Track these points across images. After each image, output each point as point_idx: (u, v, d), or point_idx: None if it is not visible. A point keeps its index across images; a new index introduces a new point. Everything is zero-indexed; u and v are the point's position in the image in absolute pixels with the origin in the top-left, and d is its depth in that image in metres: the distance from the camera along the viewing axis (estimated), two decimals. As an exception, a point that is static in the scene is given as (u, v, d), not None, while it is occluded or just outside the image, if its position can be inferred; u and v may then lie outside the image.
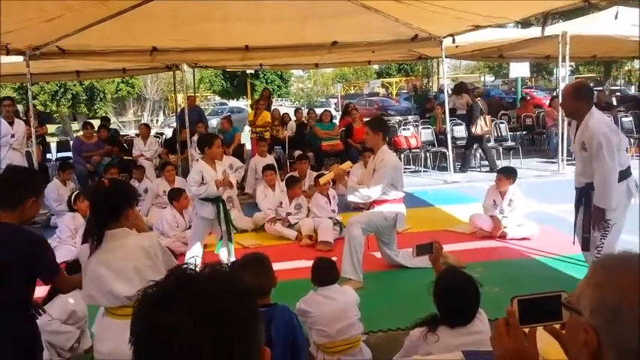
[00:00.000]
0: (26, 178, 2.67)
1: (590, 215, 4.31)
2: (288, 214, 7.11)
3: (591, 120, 4.19)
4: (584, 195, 4.42)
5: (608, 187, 4.13)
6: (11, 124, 8.34)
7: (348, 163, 5.75)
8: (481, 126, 10.96)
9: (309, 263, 5.58)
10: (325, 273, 3.65)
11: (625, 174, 4.28)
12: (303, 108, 18.51)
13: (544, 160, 11.85)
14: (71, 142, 12.36)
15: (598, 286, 1.14)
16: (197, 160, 9.87)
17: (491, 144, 12.00)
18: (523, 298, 1.40)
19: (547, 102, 19.30)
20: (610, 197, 4.13)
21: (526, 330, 1.40)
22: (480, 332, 2.54)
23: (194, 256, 5.45)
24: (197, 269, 0.97)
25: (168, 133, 13.74)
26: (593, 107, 4.30)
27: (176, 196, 6.79)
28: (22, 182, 2.62)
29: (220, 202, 5.40)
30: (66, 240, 6.41)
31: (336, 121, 12.98)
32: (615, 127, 4.35)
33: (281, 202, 7.23)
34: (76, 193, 6.63)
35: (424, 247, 3.32)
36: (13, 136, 8.25)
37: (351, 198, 5.42)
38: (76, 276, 2.64)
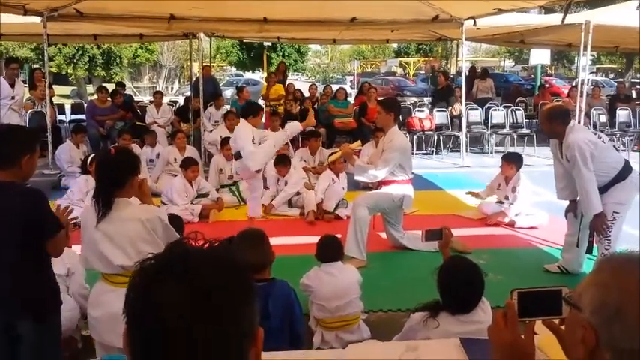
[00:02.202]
0: (18, 137, 2.66)
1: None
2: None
3: (571, 134, 4.43)
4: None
5: (589, 194, 4.39)
6: (12, 85, 8.41)
7: (358, 142, 5.73)
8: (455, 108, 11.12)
9: (315, 239, 5.67)
10: (329, 250, 3.67)
11: (626, 170, 4.50)
12: (318, 84, 18.39)
13: (558, 149, 11.74)
14: (85, 105, 12.39)
15: (602, 285, 1.13)
16: (210, 130, 9.94)
17: (506, 130, 11.90)
18: (523, 291, 1.39)
19: (565, 91, 19.08)
20: (592, 203, 4.39)
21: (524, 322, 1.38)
22: (482, 322, 2.53)
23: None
24: (195, 244, 0.97)
25: (182, 101, 13.70)
26: (574, 123, 4.67)
27: (186, 166, 6.80)
28: (15, 141, 2.61)
29: None
30: (76, 202, 6.44)
31: (351, 99, 12.88)
32: (595, 138, 4.55)
33: (277, 180, 7.19)
34: (92, 156, 6.65)
35: (434, 232, 3.30)
36: (13, 97, 8.33)
37: (358, 177, 5.45)
38: (61, 235, 2.64)
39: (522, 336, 1.36)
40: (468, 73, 13.08)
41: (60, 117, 12.42)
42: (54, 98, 12.12)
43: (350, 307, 3.55)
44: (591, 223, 4.53)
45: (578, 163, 4.35)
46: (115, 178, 2.69)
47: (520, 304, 1.37)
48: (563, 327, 1.32)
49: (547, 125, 4.59)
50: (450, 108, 11.79)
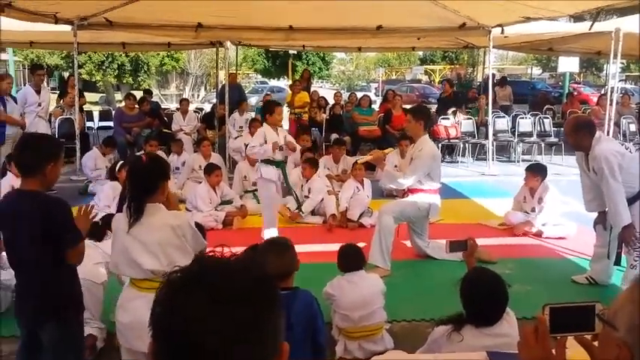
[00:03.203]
0: (42, 145, 2.71)
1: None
2: (306, 197, 7.06)
3: (597, 146, 4.37)
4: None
5: (617, 205, 4.31)
6: (38, 92, 8.57)
7: (390, 149, 5.71)
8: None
9: (337, 246, 5.63)
10: (350, 260, 3.64)
11: None
12: (343, 91, 18.39)
13: (587, 158, 11.52)
14: (113, 113, 12.59)
15: (638, 304, 1.09)
16: (235, 137, 10.01)
17: (534, 139, 11.74)
18: (555, 307, 1.35)
19: (594, 99, 18.77)
20: (621, 215, 4.31)
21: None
22: (507, 335, 2.49)
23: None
24: (223, 257, 0.97)
25: (208, 108, 13.84)
26: (600, 134, 4.51)
27: (209, 172, 6.85)
28: (39, 149, 2.66)
29: (282, 165, 5.65)
30: (103, 208, 6.52)
31: (376, 107, 12.85)
32: (622, 149, 4.48)
33: (302, 186, 7.19)
34: (120, 163, 6.73)
35: (458, 243, 3.26)
36: (39, 104, 8.49)
37: (385, 183, 5.42)
38: (80, 246, 2.68)
39: (553, 351, 1.32)
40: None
41: (88, 123, 12.64)
42: (84, 106, 12.36)
43: (373, 317, 3.51)
44: (620, 234, 4.44)
45: (606, 175, 4.27)
46: (147, 184, 2.73)
47: (552, 319, 1.34)
48: (595, 343, 1.28)
49: (573, 137, 4.51)
50: (455, 117, 11.66)
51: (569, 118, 5.28)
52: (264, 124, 5.78)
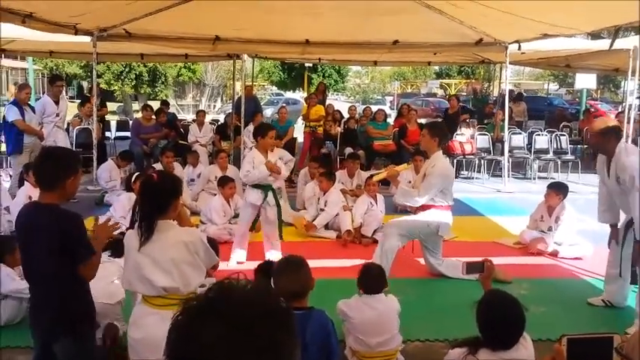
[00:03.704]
0: (63, 160, 2.74)
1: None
2: (321, 210, 7.06)
3: (624, 155, 4.25)
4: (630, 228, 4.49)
5: None
6: (56, 103, 8.67)
7: (404, 165, 5.67)
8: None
9: (351, 262, 5.64)
10: (373, 281, 3.57)
11: None
12: (358, 104, 18.40)
13: (604, 176, 11.40)
14: (130, 123, 12.70)
15: None
16: (250, 147, 10.04)
17: (550, 156, 11.65)
18: (573, 338, 1.33)
19: (612, 116, 18.59)
20: None
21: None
22: (523, 359, 2.45)
23: (239, 258, 5.58)
24: (238, 283, 0.97)
25: (223, 119, 13.92)
26: (625, 143, 4.46)
27: (223, 184, 6.88)
28: (60, 163, 2.69)
29: (270, 190, 5.46)
30: (119, 219, 6.55)
31: (390, 121, 12.83)
32: None
33: (318, 199, 7.19)
34: (136, 174, 6.78)
35: (475, 265, 3.23)
36: (57, 115, 8.59)
37: (399, 200, 5.37)
38: (94, 260, 2.70)
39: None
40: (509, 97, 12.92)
41: (105, 133, 12.74)
42: (106, 116, 12.54)
43: (390, 343, 3.47)
44: (634, 252, 4.34)
45: (636, 185, 4.14)
46: (158, 202, 2.72)
47: (569, 350, 1.32)
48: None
49: (599, 139, 4.40)
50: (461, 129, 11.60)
51: (597, 119, 5.19)
52: (254, 147, 5.68)
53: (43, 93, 37.09)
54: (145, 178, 2.90)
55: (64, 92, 9.76)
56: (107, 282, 3.69)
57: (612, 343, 1.30)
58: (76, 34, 8.20)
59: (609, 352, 1.29)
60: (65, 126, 9.25)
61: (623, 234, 4.60)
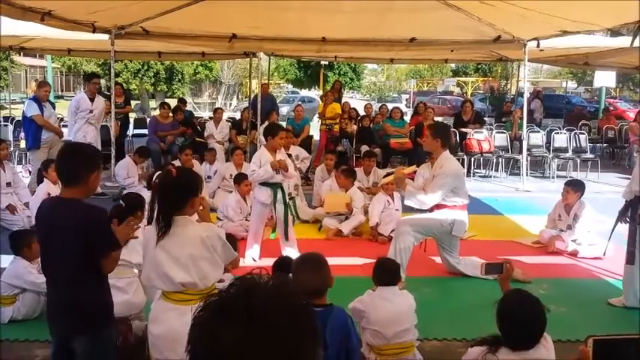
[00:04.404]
0: (87, 155, 2.75)
1: (635, 229, 4.38)
2: None
3: None
4: (632, 207, 4.47)
5: None
6: (92, 100, 8.74)
7: (413, 167, 5.62)
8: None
9: (366, 260, 5.62)
10: (387, 275, 3.57)
11: None
12: (374, 102, 18.34)
13: (623, 176, 11.22)
14: (148, 121, 12.77)
15: None
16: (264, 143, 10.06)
17: (569, 154, 11.51)
18: (599, 339, 1.30)
19: (631, 114, 18.36)
20: None
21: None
22: (544, 360, 2.42)
23: (254, 254, 5.59)
24: (260, 280, 0.96)
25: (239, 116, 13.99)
26: None
27: (239, 181, 6.89)
28: (84, 159, 2.70)
29: (279, 188, 5.44)
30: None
31: (407, 118, 12.77)
32: None
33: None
34: (158, 173, 6.82)
35: (494, 266, 3.20)
36: (91, 111, 8.67)
37: (408, 203, 5.32)
38: (115, 254, 2.71)
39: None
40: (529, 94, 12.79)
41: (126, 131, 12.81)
42: (130, 114, 12.67)
43: (406, 335, 3.45)
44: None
45: None
46: (176, 199, 2.72)
47: (595, 352, 1.29)
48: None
49: None
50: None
51: None
52: (263, 146, 5.69)
53: (62, 90, 37.42)
54: (164, 174, 2.91)
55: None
56: (124, 296, 3.71)
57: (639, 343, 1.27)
58: (94, 31, 8.26)
59: (637, 353, 1.25)
60: (100, 123, 9.30)
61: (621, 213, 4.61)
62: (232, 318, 0.88)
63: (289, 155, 6.64)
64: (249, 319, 0.87)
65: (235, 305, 0.90)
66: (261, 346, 0.85)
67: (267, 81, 14.81)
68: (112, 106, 9.82)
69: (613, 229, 4.68)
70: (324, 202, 7.13)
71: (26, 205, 6.79)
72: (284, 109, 22.09)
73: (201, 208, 2.90)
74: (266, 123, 10.87)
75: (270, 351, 0.85)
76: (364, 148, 10.46)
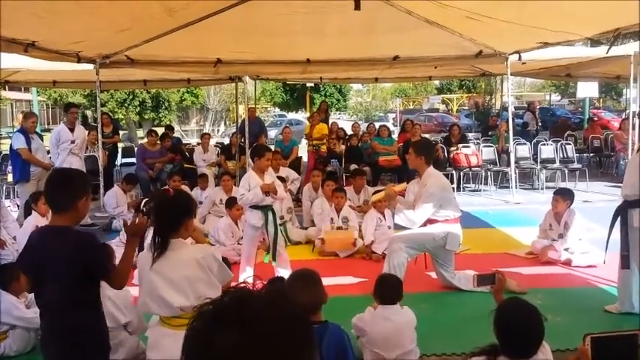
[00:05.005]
0: (75, 181, 2.72)
1: (627, 232, 4.42)
2: (339, 228, 7.04)
3: None
4: (621, 212, 4.51)
5: None
6: (72, 130, 8.70)
7: (404, 184, 5.64)
8: None
9: (361, 279, 5.59)
10: (390, 291, 3.53)
11: None
12: (361, 122, 18.46)
13: (611, 184, 11.29)
14: (136, 149, 12.74)
15: None
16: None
17: (556, 165, 11.60)
18: (597, 336, 1.30)
19: (615, 124, 18.59)
20: None
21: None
22: (543, 366, 2.40)
23: (246, 270, 5.54)
24: (254, 289, 0.95)
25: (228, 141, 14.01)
26: None
27: (230, 205, 6.87)
28: (72, 185, 2.67)
29: (269, 211, 5.41)
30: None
31: (395, 137, 12.85)
32: None
33: (332, 219, 7.16)
34: (146, 200, 6.78)
35: (486, 277, 3.20)
36: (73, 142, 8.62)
37: (397, 221, 5.29)
38: (121, 268, 2.67)
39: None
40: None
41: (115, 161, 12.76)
42: (119, 144, 12.63)
43: (409, 357, 3.41)
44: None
45: None
46: (172, 218, 2.72)
47: (594, 350, 1.28)
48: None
49: None
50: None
51: None
52: (250, 169, 5.64)
53: (48, 124, 37.30)
54: (161, 194, 2.90)
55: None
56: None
57: (636, 340, 1.26)
58: (78, 61, 8.25)
59: (634, 348, 1.25)
60: (84, 153, 9.26)
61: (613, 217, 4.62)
62: (225, 326, 0.87)
63: (279, 177, 6.64)
64: (242, 326, 0.86)
65: (228, 313, 0.89)
66: (255, 354, 0.84)
67: (254, 105, 14.88)
68: (99, 135, 9.79)
69: (609, 237, 4.69)
70: (324, 242, 6.88)
71: (14, 238, 6.71)
72: (272, 133, 22.14)
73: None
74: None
75: (265, 359, 0.84)
76: (353, 166, 10.49)
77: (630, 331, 1.30)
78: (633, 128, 10.25)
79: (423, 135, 12.14)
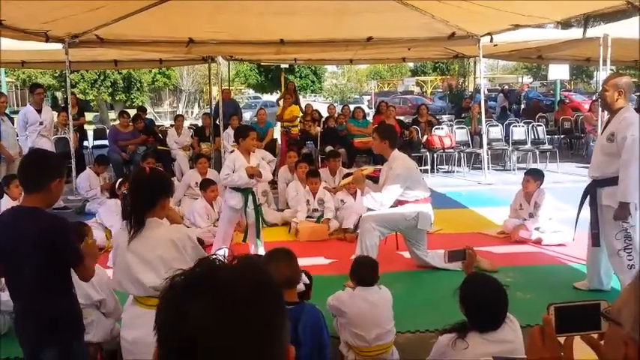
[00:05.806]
0: (49, 161, 2.68)
1: (597, 211, 4.48)
2: (314, 210, 7.08)
3: (627, 112, 4.28)
4: (590, 191, 4.56)
5: (629, 177, 4.13)
6: (39, 111, 8.52)
7: (370, 168, 5.65)
8: None
9: (336, 260, 5.64)
10: (367, 272, 3.54)
11: None
12: (336, 104, 18.42)
13: (582, 165, 11.52)
14: (107, 131, 12.55)
15: None
16: (231, 150, 9.99)
17: (528, 146, 11.78)
18: (560, 306, 1.34)
19: (586, 106, 18.88)
20: (628, 188, 4.16)
21: (563, 339, 1.33)
22: (511, 341, 2.48)
23: (221, 248, 5.50)
24: (225, 260, 0.95)
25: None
26: (630, 104, 4.44)
27: (205, 187, 6.84)
28: (46, 165, 2.63)
29: (250, 194, 5.40)
30: (108, 227, 6.38)
31: (370, 119, 12.89)
32: None
33: (307, 200, 7.19)
34: (120, 180, 6.68)
35: (456, 253, 3.25)
36: (41, 123, 8.45)
37: (366, 204, 5.33)
38: (86, 264, 2.65)
39: (562, 353, 1.31)
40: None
41: (84, 142, 12.58)
42: (85, 125, 12.38)
43: (388, 336, 3.45)
44: (617, 212, 4.29)
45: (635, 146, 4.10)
46: (148, 196, 2.70)
47: (557, 319, 1.32)
48: (602, 342, 1.26)
49: (610, 93, 4.29)
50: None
51: (610, 74, 5.12)
52: (236, 149, 5.63)
53: (17, 105, 36.49)
54: (137, 172, 2.89)
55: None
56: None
57: (599, 309, 1.31)
58: (47, 41, 8.07)
59: (597, 317, 1.30)
60: (52, 134, 9.08)
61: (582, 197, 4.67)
62: (198, 295, 0.86)
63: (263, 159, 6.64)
64: (214, 296, 0.86)
65: (200, 283, 0.88)
66: (228, 324, 0.85)
67: (228, 86, 14.73)
68: (70, 117, 9.62)
69: (578, 215, 4.78)
70: (297, 232, 6.84)
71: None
72: (247, 115, 21.99)
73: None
74: (229, 128, 10.85)
75: (238, 327, 0.85)
76: (329, 148, 10.50)
77: (593, 301, 1.35)
78: (603, 111, 10.43)
79: (397, 117, 12.25)
